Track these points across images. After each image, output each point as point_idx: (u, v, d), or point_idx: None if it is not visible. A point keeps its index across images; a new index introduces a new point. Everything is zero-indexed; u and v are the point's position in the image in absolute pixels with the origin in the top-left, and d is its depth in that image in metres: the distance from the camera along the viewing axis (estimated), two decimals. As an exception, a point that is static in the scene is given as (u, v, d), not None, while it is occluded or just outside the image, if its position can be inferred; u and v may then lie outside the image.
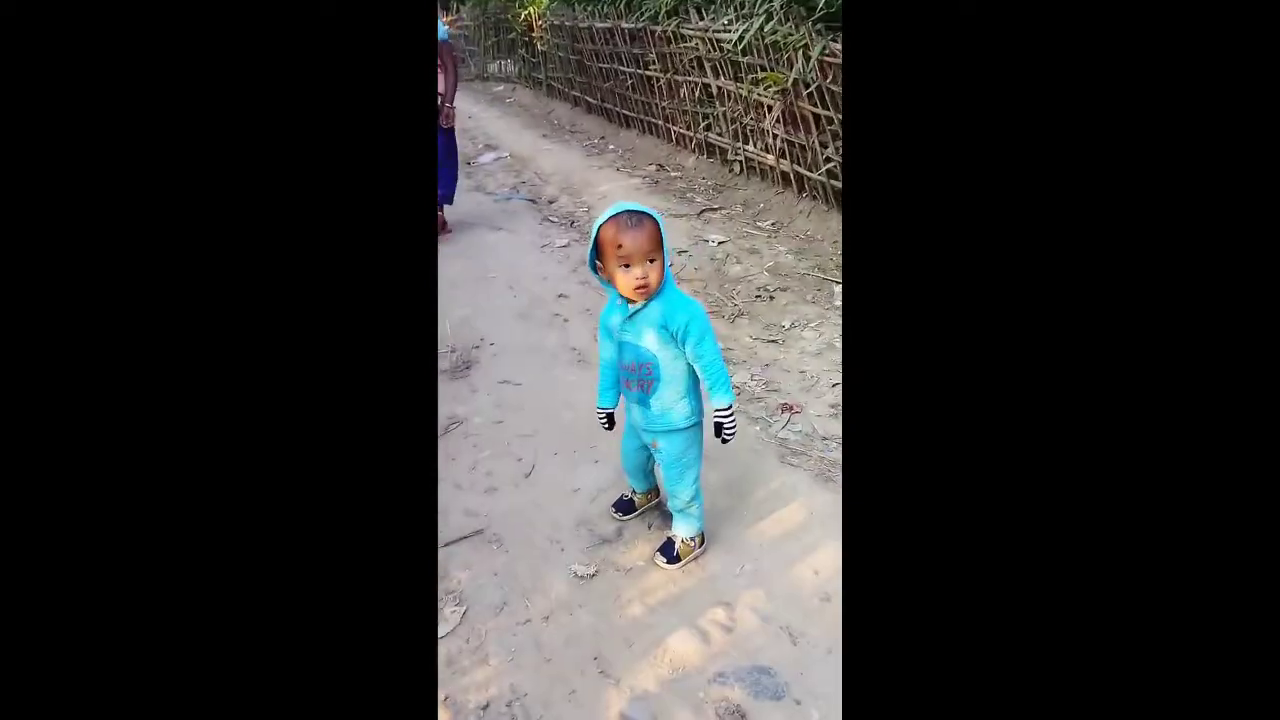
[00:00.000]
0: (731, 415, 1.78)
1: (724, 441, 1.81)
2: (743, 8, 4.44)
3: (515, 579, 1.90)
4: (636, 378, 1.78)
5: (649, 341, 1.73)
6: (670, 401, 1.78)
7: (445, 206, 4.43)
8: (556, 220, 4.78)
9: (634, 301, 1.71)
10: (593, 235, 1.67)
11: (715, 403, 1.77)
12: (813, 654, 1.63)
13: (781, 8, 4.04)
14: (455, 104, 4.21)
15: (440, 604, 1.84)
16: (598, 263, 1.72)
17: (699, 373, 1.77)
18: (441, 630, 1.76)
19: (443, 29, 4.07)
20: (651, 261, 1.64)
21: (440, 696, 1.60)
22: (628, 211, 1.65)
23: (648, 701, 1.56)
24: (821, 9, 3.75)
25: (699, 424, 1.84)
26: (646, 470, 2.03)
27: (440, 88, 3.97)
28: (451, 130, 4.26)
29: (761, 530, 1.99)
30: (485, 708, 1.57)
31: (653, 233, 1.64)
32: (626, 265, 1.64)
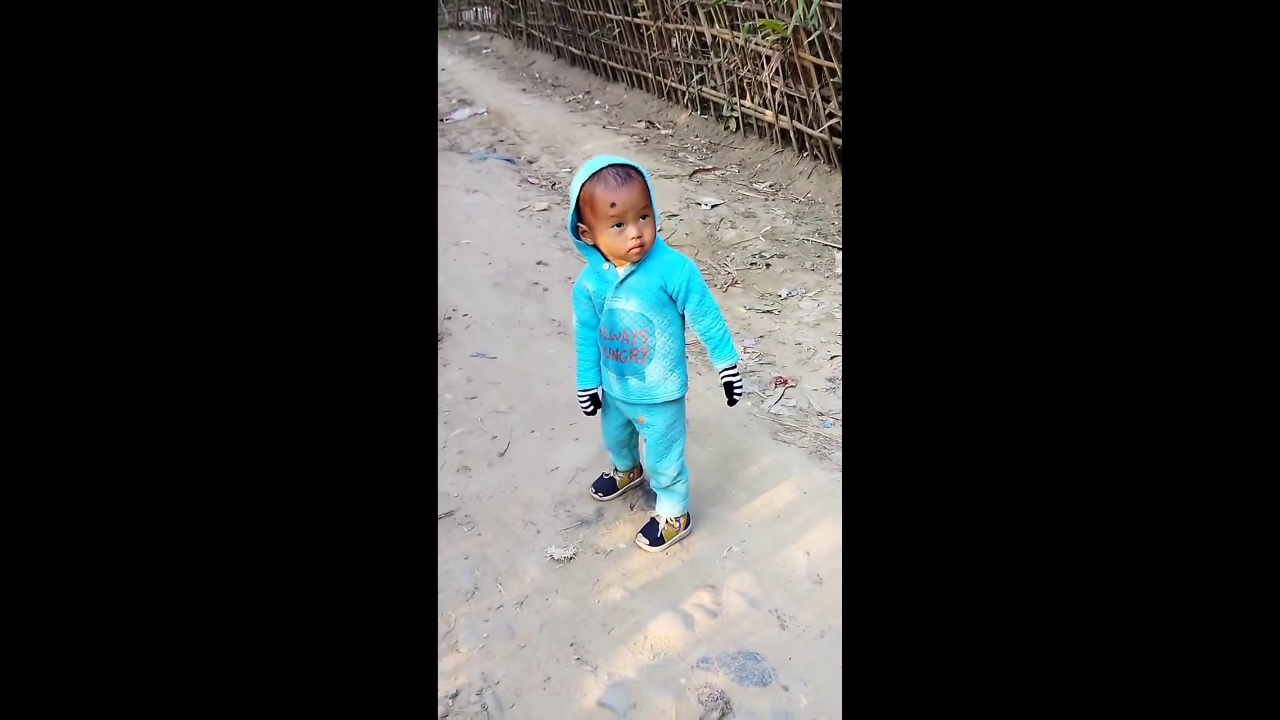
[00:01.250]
0: (739, 374, 1.81)
1: (732, 403, 1.85)
2: (738, -53, 4.42)
3: (488, 563, 1.93)
4: (629, 348, 1.77)
5: (644, 307, 1.73)
6: (663, 373, 1.79)
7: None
8: (536, 181, 4.77)
9: (623, 264, 1.71)
10: (574, 195, 1.66)
11: (721, 363, 1.79)
12: (803, 638, 1.67)
13: (781, -53, 4.03)
14: None
15: (407, 589, 1.87)
16: (580, 225, 1.70)
17: (700, 333, 1.78)
18: (408, 616, 1.79)
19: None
20: (644, 218, 1.64)
21: (406, 685, 1.64)
22: (612, 166, 1.63)
23: (626, 689, 1.59)
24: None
25: (683, 399, 1.87)
26: (630, 447, 2.06)
27: None
28: None
29: (751, 510, 2.03)
30: (454, 696, 1.60)
31: (642, 187, 1.63)
32: (619, 224, 1.63)
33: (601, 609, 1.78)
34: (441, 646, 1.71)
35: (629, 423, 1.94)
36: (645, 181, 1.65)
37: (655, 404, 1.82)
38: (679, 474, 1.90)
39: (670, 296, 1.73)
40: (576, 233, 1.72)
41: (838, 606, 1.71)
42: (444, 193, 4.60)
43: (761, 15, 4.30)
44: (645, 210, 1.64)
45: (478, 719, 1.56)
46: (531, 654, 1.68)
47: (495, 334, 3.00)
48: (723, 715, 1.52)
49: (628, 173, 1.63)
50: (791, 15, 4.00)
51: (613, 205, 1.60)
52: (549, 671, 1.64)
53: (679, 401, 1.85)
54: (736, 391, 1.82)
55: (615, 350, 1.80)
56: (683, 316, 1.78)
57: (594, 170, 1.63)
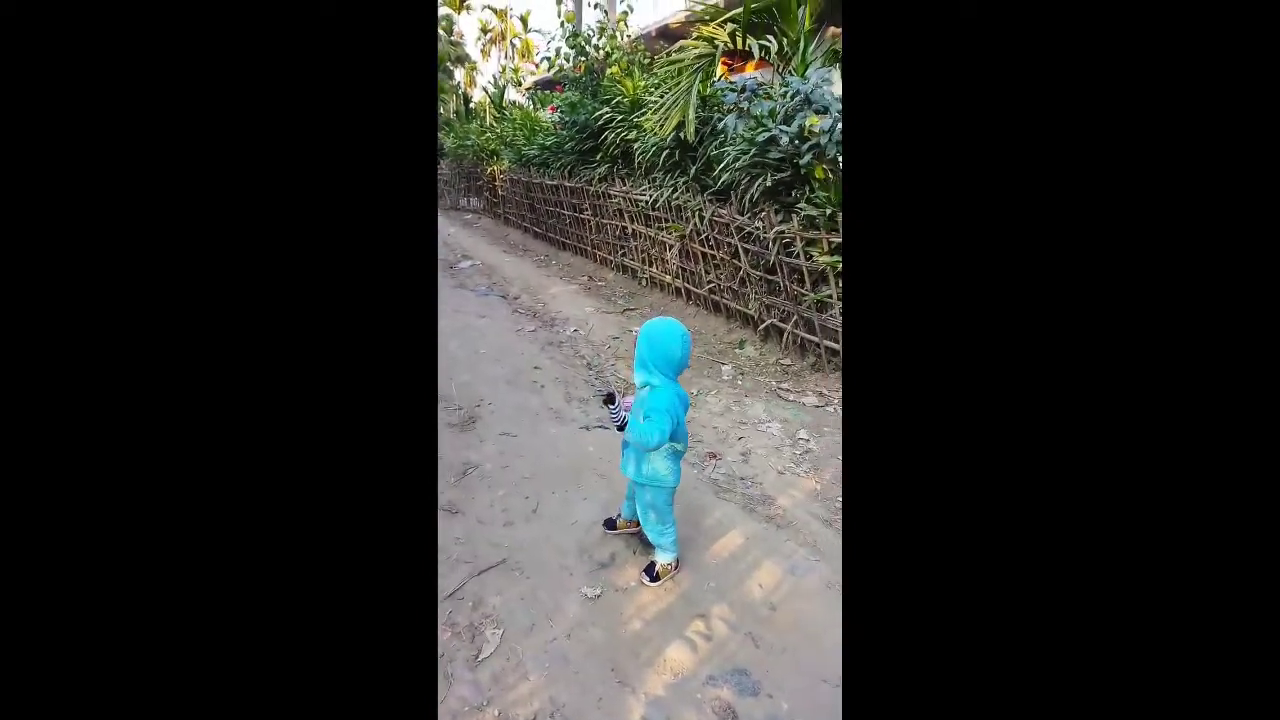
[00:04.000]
0: (616, 415, 1.62)
1: (606, 401, 1.62)
2: (655, 181, 4.41)
3: (538, 602, 1.60)
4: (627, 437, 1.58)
5: (636, 416, 1.54)
6: (643, 462, 1.59)
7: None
8: (523, 311, 4.47)
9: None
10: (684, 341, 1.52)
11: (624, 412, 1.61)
12: (771, 654, 1.44)
13: (684, 184, 4.03)
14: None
15: (482, 627, 1.51)
16: None
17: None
18: (486, 651, 1.43)
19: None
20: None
21: (494, 712, 1.28)
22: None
23: (660, 705, 1.31)
24: (711, 187, 3.75)
25: (666, 488, 1.62)
26: (633, 502, 1.80)
27: None
28: None
29: (715, 552, 1.80)
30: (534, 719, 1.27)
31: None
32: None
33: (629, 638, 1.49)
34: (515, 675, 1.37)
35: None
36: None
37: (638, 482, 1.62)
38: (661, 535, 1.66)
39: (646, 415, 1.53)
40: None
41: (790, 627, 1.50)
42: (462, 317, 4.24)
43: (668, 220, 4.28)
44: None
45: (553, 740, 1.23)
46: (584, 679, 1.37)
47: (514, 418, 2.68)
48: (734, 724, 1.27)
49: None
50: (689, 224, 3.99)
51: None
52: (600, 693, 1.33)
53: (657, 488, 1.61)
54: (611, 412, 1.62)
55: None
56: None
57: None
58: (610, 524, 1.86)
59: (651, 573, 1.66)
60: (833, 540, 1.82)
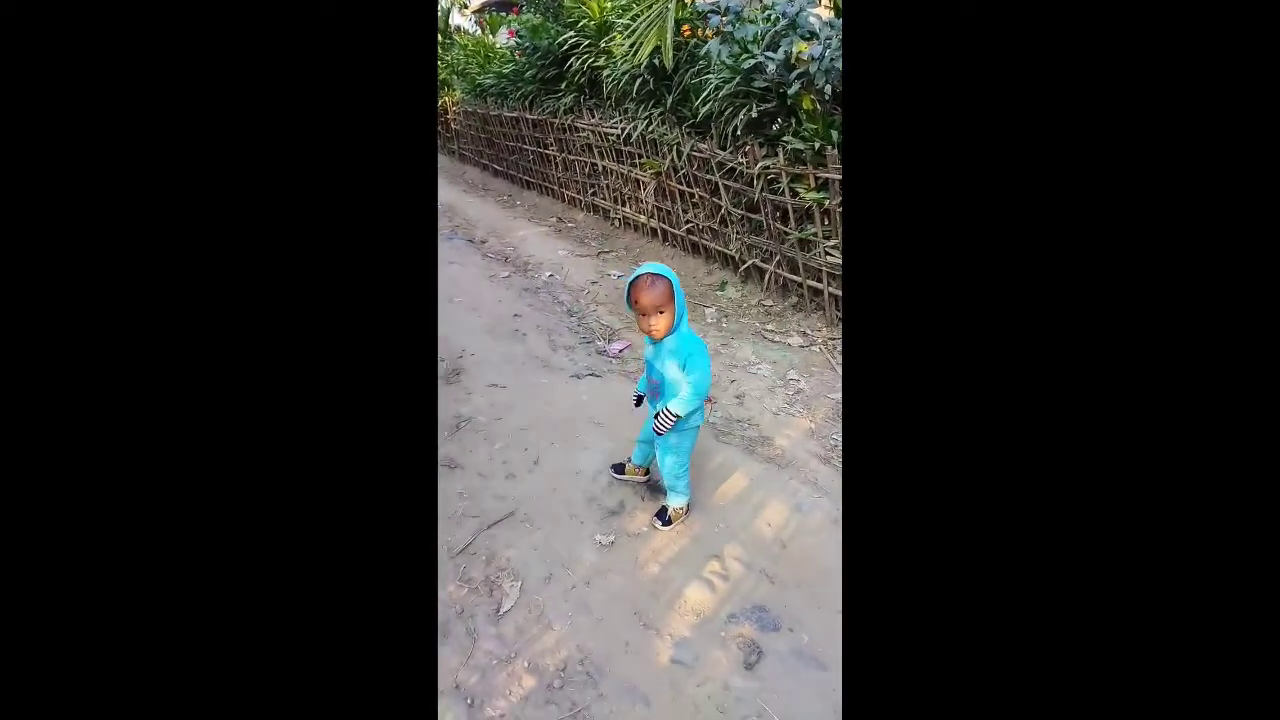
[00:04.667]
0: (670, 418, 1.49)
1: (656, 432, 1.52)
2: (627, 113, 4.16)
3: (553, 552, 1.59)
4: (650, 389, 1.57)
5: (662, 366, 1.51)
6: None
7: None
8: (494, 256, 4.27)
9: (651, 337, 1.48)
10: (626, 286, 1.43)
11: (665, 404, 1.51)
12: (787, 590, 1.49)
13: (659, 115, 3.82)
14: None
15: (499, 580, 1.49)
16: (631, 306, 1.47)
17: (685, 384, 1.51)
18: (506, 604, 1.42)
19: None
20: (660, 313, 1.42)
21: (523, 664, 1.28)
22: (647, 274, 1.41)
23: (688, 645, 1.34)
24: (690, 119, 3.57)
25: (691, 429, 1.62)
26: (647, 447, 1.78)
27: None
28: None
29: (722, 494, 1.82)
30: (564, 669, 1.27)
31: (662, 291, 1.41)
32: (643, 314, 1.42)
33: (648, 582, 1.50)
34: (539, 626, 1.37)
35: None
36: (669, 287, 1.41)
37: None
38: (678, 476, 1.66)
39: (682, 365, 1.49)
40: (631, 306, 1.48)
41: (802, 563, 1.55)
42: (429, 263, 4.01)
43: (642, 156, 4.08)
44: (663, 307, 1.41)
45: (586, 684, 1.25)
46: (608, 625, 1.38)
47: (500, 369, 2.59)
48: (760, 657, 1.31)
49: (654, 280, 1.41)
50: (665, 160, 3.81)
51: (637, 301, 1.41)
52: (626, 638, 1.35)
53: (682, 430, 1.60)
54: (657, 423, 1.51)
55: (648, 386, 1.59)
56: None
57: (635, 275, 1.42)
58: (619, 469, 1.84)
59: (664, 517, 1.67)
60: (832, 477, 1.87)
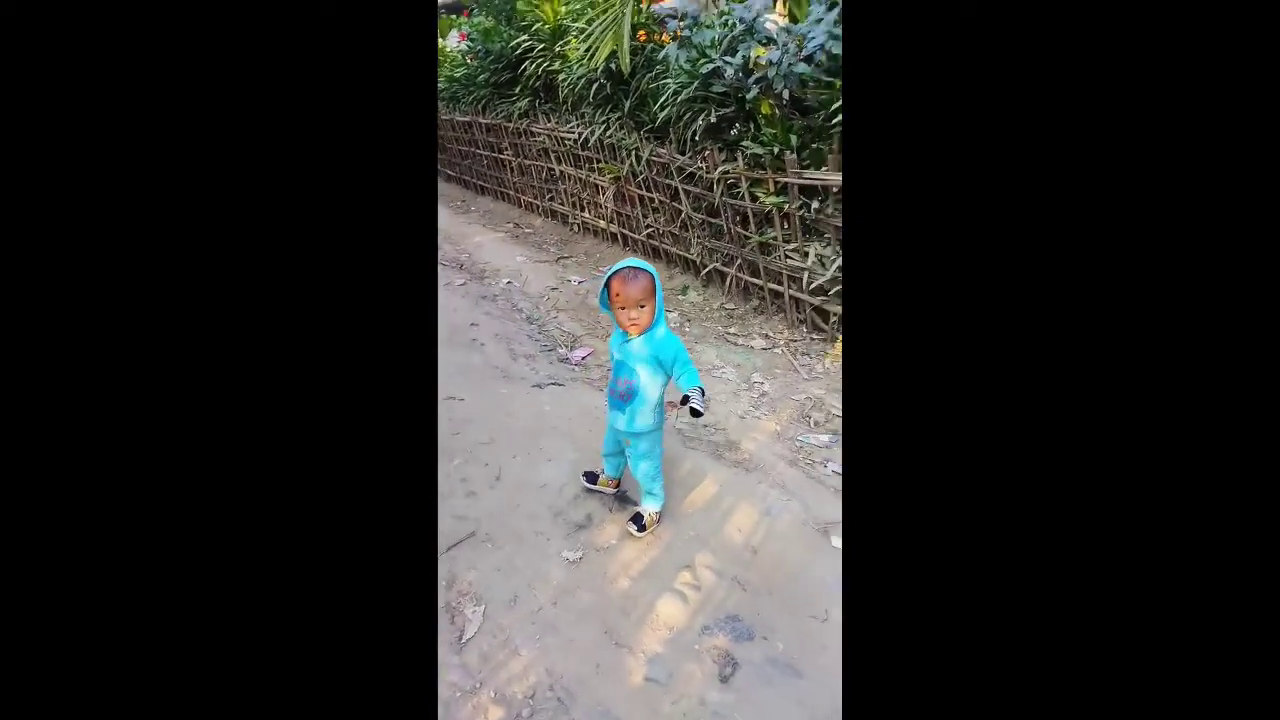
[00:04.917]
0: (700, 397, 1.39)
1: (693, 414, 1.37)
2: (584, 117, 4.11)
3: (517, 572, 1.51)
4: (621, 390, 1.50)
5: (637, 364, 1.46)
6: (644, 414, 1.51)
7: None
8: (448, 264, 4.13)
9: (630, 331, 1.43)
10: (604, 280, 1.40)
11: (688, 388, 1.41)
12: (759, 597, 1.46)
13: (617, 120, 3.78)
14: None
15: (460, 606, 1.41)
16: (609, 300, 1.42)
17: (684, 386, 1.43)
18: (470, 631, 1.34)
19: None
20: (641, 307, 1.38)
21: (489, 694, 1.21)
22: (629, 267, 1.38)
23: (661, 662, 1.29)
24: (648, 124, 3.55)
25: (660, 430, 1.58)
26: (617, 459, 1.73)
27: None
28: None
29: (691, 501, 1.78)
30: (533, 696, 1.20)
31: (646, 285, 1.37)
32: (623, 308, 1.39)
33: (618, 597, 1.45)
34: (506, 652, 1.29)
35: (620, 441, 1.63)
36: (652, 280, 1.38)
37: (635, 433, 1.54)
38: (654, 479, 1.61)
39: (662, 365, 1.46)
40: (606, 304, 1.43)
41: (773, 568, 1.52)
42: (380, 270, 3.84)
43: (600, 161, 4.04)
44: (644, 301, 1.38)
45: (557, 711, 1.18)
46: (578, 646, 1.32)
47: (456, 380, 2.48)
48: (734, 669, 1.28)
49: (637, 273, 1.38)
50: (624, 164, 3.78)
51: (618, 294, 1.38)
52: (597, 658, 1.29)
53: (654, 432, 1.56)
54: (694, 404, 1.37)
55: (614, 390, 1.52)
56: (668, 377, 1.49)
57: (617, 267, 1.39)
58: (591, 478, 1.78)
59: (639, 522, 1.63)
60: (800, 479, 1.86)
